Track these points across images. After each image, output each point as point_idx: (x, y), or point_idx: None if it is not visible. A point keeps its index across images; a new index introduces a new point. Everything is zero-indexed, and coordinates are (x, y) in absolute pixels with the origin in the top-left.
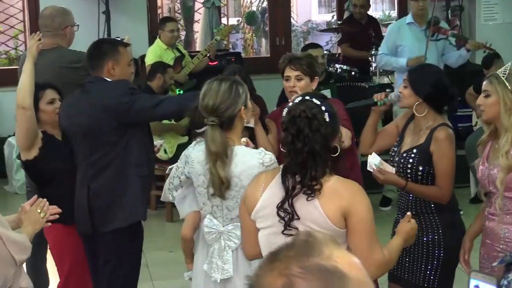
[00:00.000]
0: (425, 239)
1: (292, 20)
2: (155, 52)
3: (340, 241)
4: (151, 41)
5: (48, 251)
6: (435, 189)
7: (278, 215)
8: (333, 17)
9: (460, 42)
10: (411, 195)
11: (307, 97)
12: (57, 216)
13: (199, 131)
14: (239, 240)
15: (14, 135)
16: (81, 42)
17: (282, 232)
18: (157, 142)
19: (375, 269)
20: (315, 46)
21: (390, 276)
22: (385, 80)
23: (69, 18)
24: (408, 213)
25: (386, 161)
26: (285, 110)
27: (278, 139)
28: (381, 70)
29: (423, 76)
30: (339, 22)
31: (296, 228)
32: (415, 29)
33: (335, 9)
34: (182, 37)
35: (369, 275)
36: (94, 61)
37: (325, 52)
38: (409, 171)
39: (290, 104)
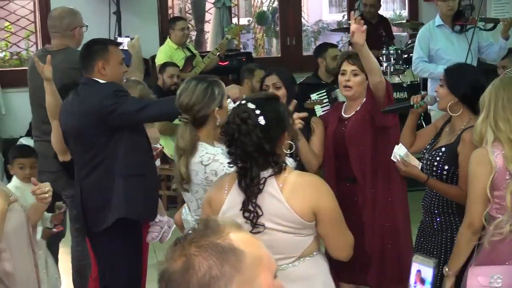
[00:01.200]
0: (443, 239)
1: (302, 20)
2: (166, 52)
3: (309, 232)
4: (161, 41)
5: None
6: (456, 189)
7: (244, 216)
8: (343, 16)
9: (489, 21)
10: (435, 195)
11: (243, 102)
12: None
13: None
14: None
15: (26, 135)
16: (123, 36)
17: (250, 231)
18: (155, 145)
19: (348, 250)
20: (333, 45)
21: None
22: (396, 79)
23: (77, 19)
24: None
25: (418, 158)
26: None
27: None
28: (391, 70)
29: (459, 75)
30: (349, 22)
31: (263, 225)
32: (446, 30)
33: (345, 9)
34: (193, 37)
35: (343, 257)
36: (85, 62)
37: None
38: (434, 168)
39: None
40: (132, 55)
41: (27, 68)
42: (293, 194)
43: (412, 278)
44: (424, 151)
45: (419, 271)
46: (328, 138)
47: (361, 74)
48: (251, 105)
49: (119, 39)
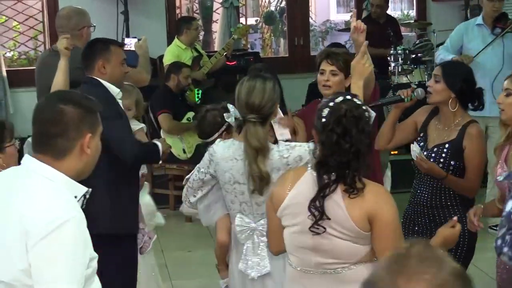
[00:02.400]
0: None
1: (310, 20)
2: (173, 52)
3: (363, 243)
4: (169, 41)
5: None
6: (468, 183)
7: (310, 210)
8: (351, 17)
9: None
10: (436, 188)
11: (348, 97)
12: None
13: (208, 140)
14: None
15: None
16: (131, 37)
17: (309, 228)
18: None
19: None
20: (339, 46)
21: None
22: (404, 79)
23: (85, 19)
24: (455, 217)
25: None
26: (326, 110)
27: (307, 138)
28: (399, 70)
29: (456, 71)
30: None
31: (324, 228)
32: (484, 31)
33: (353, 9)
34: (200, 37)
35: None
36: (87, 61)
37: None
38: (441, 165)
39: (324, 102)
40: (139, 55)
41: (35, 67)
42: (354, 201)
43: None
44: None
45: None
46: (309, 136)
47: (339, 74)
48: (357, 101)
49: (126, 40)
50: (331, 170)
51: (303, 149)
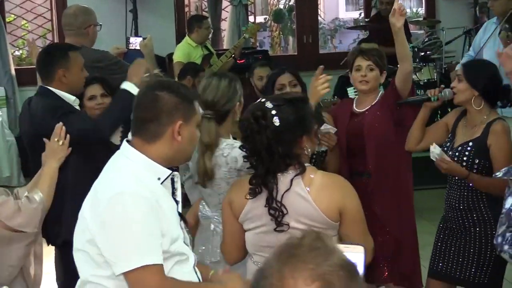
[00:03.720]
0: (477, 234)
1: (319, 18)
2: (184, 50)
3: (333, 233)
4: (178, 40)
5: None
6: (495, 181)
7: (269, 213)
8: (360, 14)
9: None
10: (464, 191)
11: (263, 100)
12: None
13: None
14: None
15: None
16: (108, 41)
17: (275, 229)
18: None
19: (371, 253)
20: (369, 41)
21: (433, 273)
22: (413, 77)
23: (92, 17)
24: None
25: None
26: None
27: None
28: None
29: (478, 70)
30: (366, 20)
31: (287, 224)
32: (497, 28)
33: (362, 7)
34: (210, 35)
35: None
36: (45, 69)
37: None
38: (464, 164)
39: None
40: (145, 54)
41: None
42: (320, 194)
43: None
44: (445, 149)
45: None
46: (341, 134)
47: (376, 69)
48: (268, 105)
49: (132, 39)
50: (258, 169)
51: (239, 152)
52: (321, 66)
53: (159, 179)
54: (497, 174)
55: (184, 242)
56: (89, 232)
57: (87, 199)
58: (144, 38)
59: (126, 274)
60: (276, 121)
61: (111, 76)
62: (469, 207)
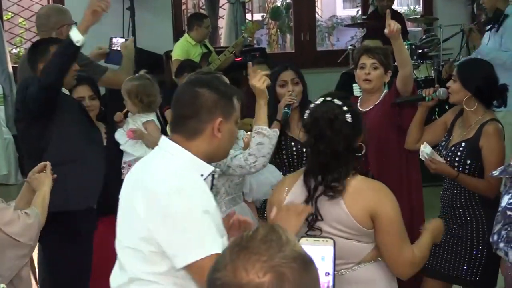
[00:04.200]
0: (469, 231)
1: (316, 15)
2: (183, 47)
3: (367, 241)
4: (175, 37)
5: None
6: (484, 183)
7: None
8: (357, 12)
9: None
10: (456, 188)
11: (329, 98)
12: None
13: None
14: None
15: None
16: (106, 38)
17: (306, 232)
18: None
19: (406, 269)
20: (372, 38)
21: (427, 271)
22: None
23: (65, 17)
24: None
25: None
26: (307, 112)
27: None
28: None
29: (472, 70)
30: (364, 17)
31: (320, 229)
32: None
33: (359, 4)
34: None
35: (400, 274)
36: (30, 64)
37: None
38: (456, 164)
39: (312, 105)
40: (124, 55)
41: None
42: (353, 199)
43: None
44: (440, 148)
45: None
46: None
47: (380, 68)
48: (338, 102)
49: (114, 40)
50: (313, 172)
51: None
52: (249, 63)
53: (202, 175)
54: (494, 173)
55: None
56: (145, 229)
57: (136, 196)
58: (126, 39)
59: (191, 265)
60: (349, 117)
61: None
62: (462, 204)
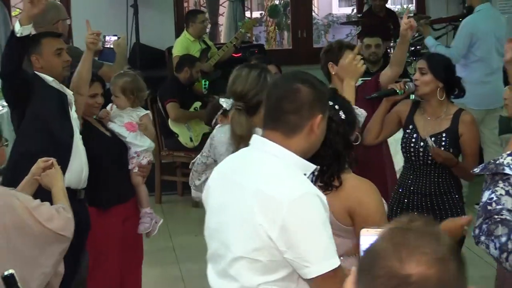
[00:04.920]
0: (449, 216)
1: (313, 14)
2: (182, 44)
3: (347, 236)
4: (177, 34)
5: None
6: (468, 167)
7: None
8: (353, 10)
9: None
10: (436, 177)
11: None
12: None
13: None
14: None
15: None
16: (109, 33)
17: None
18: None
19: None
20: (371, 35)
21: None
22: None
23: (60, 12)
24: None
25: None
26: None
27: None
28: None
29: (440, 62)
30: (359, 15)
31: None
32: None
33: (355, 3)
34: (208, 30)
35: None
36: (27, 57)
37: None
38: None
39: None
40: (117, 53)
41: None
42: (335, 195)
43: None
44: (408, 140)
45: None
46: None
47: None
48: (329, 102)
49: (107, 37)
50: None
51: None
52: (360, 44)
53: (305, 174)
54: (475, 170)
55: None
56: (262, 239)
57: (251, 205)
58: (118, 37)
59: (318, 277)
60: (342, 114)
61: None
62: (440, 191)
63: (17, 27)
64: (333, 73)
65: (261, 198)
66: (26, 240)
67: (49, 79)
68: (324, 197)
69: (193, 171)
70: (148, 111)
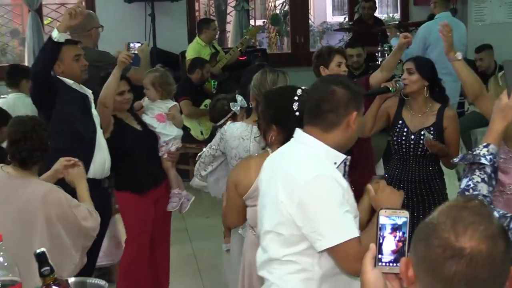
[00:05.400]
0: (431, 202)
1: (309, 21)
2: (195, 48)
3: None
4: (190, 39)
5: None
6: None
7: None
8: (345, 18)
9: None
10: (423, 164)
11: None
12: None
13: (217, 124)
14: None
15: None
16: (131, 39)
17: None
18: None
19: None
20: (352, 46)
21: None
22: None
23: (94, 21)
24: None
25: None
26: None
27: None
28: None
29: (426, 63)
30: (350, 23)
31: None
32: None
33: (347, 12)
34: (216, 36)
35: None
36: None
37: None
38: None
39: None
40: (141, 58)
41: None
42: None
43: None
44: (399, 134)
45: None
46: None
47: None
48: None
49: (131, 45)
50: None
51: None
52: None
53: (335, 163)
54: (454, 160)
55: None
56: (286, 214)
57: (276, 183)
58: (141, 44)
59: (332, 249)
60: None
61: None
62: (428, 179)
63: (54, 33)
64: (323, 75)
65: (285, 179)
66: (65, 231)
67: (69, 81)
68: (344, 182)
69: (200, 162)
70: (176, 103)
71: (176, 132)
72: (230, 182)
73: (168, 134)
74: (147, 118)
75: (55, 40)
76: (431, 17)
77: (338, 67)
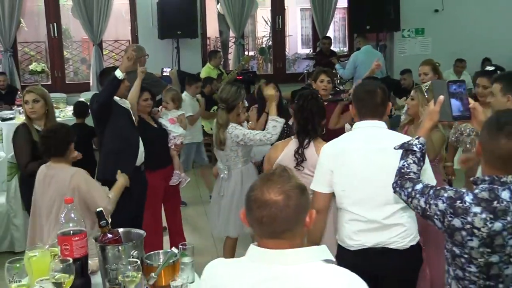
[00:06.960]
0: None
1: (285, 52)
2: (206, 71)
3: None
4: (203, 64)
5: None
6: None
7: (295, 156)
8: (310, 50)
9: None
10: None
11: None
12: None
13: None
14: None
15: None
16: (162, 65)
17: (294, 167)
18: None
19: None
20: (325, 72)
21: None
22: (341, 87)
23: (143, 51)
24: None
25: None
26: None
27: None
28: (338, 82)
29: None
30: (313, 54)
31: (302, 167)
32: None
33: (311, 46)
34: (221, 62)
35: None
36: (100, 83)
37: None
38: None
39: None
40: (172, 78)
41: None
42: (317, 149)
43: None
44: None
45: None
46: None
47: (331, 83)
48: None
49: (164, 69)
50: (301, 133)
51: (238, 131)
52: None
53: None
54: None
55: None
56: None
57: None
58: (171, 69)
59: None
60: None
61: (153, 88)
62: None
63: (118, 73)
64: (314, 86)
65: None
66: (78, 200)
67: (117, 99)
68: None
69: (260, 139)
70: (183, 112)
71: (182, 131)
72: (265, 160)
73: (176, 131)
74: (163, 120)
75: (119, 78)
76: (358, 48)
77: (321, 82)
